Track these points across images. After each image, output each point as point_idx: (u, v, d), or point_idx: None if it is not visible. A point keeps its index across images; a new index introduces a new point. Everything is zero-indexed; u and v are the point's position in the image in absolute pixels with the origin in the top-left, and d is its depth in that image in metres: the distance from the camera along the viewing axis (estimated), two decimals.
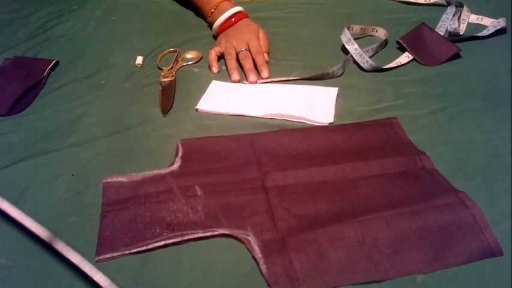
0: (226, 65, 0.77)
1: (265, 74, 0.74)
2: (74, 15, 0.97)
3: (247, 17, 0.85)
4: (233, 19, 0.83)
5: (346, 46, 0.76)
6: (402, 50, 0.78)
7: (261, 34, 0.82)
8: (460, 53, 0.75)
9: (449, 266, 0.45)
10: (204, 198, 0.53)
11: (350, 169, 0.56)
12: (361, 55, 0.74)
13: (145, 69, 0.79)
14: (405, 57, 0.76)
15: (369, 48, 0.77)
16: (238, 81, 0.74)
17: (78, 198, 0.55)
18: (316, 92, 0.70)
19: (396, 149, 0.59)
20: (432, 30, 0.79)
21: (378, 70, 0.74)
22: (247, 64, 0.76)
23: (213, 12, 0.85)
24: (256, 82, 0.74)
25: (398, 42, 0.79)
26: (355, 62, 0.76)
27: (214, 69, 0.77)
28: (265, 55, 0.79)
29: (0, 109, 0.70)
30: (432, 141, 0.60)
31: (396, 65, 0.75)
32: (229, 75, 0.75)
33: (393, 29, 0.84)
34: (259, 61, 0.76)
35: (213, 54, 0.78)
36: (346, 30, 0.77)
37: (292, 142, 0.61)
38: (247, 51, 0.78)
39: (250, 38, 0.79)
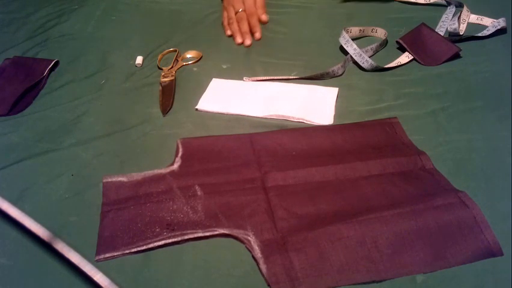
0: (230, 29, 0.83)
1: (257, 35, 0.80)
2: (74, 15, 0.97)
3: None
4: None
5: (345, 47, 0.76)
6: (403, 50, 0.78)
7: None
8: (460, 53, 0.75)
9: (449, 266, 0.45)
10: (203, 198, 0.53)
11: (350, 169, 0.56)
12: (360, 55, 0.74)
13: (145, 69, 0.79)
14: (405, 57, 0.76)
15: (369, 48, 0.77)
16: (241, 44, 0.80)
17: (78, 198, 0.55)
18: (316, 92, 0.70)
19: (396, 149, 0.59)
20: (432, 30, 0.79)
21: (379, 70, 0.74)
22: (243, 27, 0.81)
23: None
24: (251, 45, 0.80)
25: (398, 42, 0.79)
26: (355, 62, 0.76)
27: (229, 32, 0.84)
28: (263, 16, 0.83)
29: (0, 109, 0.70)
30: (432, 141, 0.60)
31: (396, 64, 0.75)
32: (234, 39, 0.82)
33: (394, 29, 0.83)
34: (252, 22, 0.81)
35: (225, 22, 0.87)
36: (344, 33, 0.77)
37: (292, 142, 0.61)
38: (243, 13, 0.83)
39: None
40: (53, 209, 0.53)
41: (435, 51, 0.76)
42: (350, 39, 0.76)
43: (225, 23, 0.86)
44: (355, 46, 0.75)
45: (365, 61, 0.74)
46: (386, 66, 0.74)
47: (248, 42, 0.79)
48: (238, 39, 0.80)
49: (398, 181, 0.54)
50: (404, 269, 0.45)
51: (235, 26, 0.82)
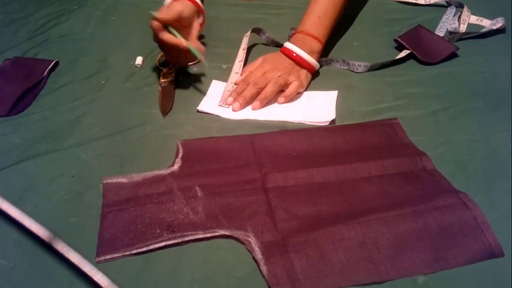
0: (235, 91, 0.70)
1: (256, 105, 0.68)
2: (74, 16, 0.97)
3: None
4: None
5: (328, 66, 0.76)
6: (401, 49, 0.78)
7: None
8: (458, 52, 0.75)
9: (450, 267, 0.45)
10: (204, 199, 0.53)
11: (351, 170, 0.56)
12: (348, 63, 0.74)
13: (144, 70, 0.79)
14: (403, 54, 0.76)
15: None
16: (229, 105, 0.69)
17: (78, 199, 0.55)
18: (316, 96, 0.70)
19: (396, 150, 0.59)
20: (429, 31, 0.79)
21: (376, 68, 0.74)
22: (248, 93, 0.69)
23: None
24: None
25: (396, 40, 0.79)
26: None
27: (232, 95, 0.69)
28: (280, 99, 0.69)
29: (0, 110, 0.70)
30: (432, 142, 0.60)
31: (392, 59, 0.75)
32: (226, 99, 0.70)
33: (394, 29, 0.84)
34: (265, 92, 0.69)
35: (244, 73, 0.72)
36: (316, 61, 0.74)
37: (292, 143, 0.61)
38: (264, 79, 0.69)
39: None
40: (53, 210, 0.53)
41: (432, 50, 0.76)
42: (325, 59, 0.76)
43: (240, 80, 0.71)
44: (336, 59, 0.75)
45: (357, 66, 0.74)
46: (383, 62, 0.74)
47: (236, 108, 0.67)
48: (233, 103, 0.68)
49: (399, 182, 0.54)
50: (405, 270, 0.45)
51: (243, 91, 0.68)
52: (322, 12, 0.75)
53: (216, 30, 0.88)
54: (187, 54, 0.69)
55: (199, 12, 0.74)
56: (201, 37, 0.88)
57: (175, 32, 0.68)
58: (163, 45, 0.69)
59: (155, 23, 0.66)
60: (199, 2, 0.74)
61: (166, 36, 0.67)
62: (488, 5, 0.88)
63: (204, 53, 0.70)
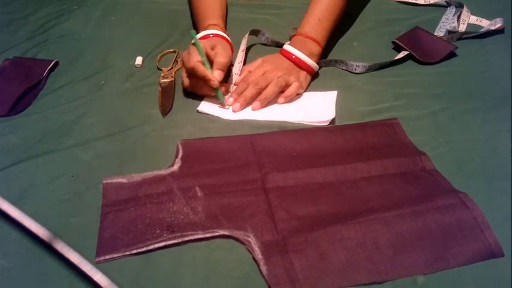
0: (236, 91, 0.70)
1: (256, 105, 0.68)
2: (73, 16, 0.97)
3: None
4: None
5: (330, 67, 0.76)
6: (399, 50, 0.78)
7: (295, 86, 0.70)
8: (457, 51, 0.75)
9: (449, 267, 0.45)
10: (204, 199, 0.53)
11: (351, 170, 0.56)
12: (347, 64, 0.74)
13: (144, 70, 0.79)
14: (401, 55, 0.76)
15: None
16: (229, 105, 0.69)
17: (78, 199, 0.55)
18: (316, 96, 0.70)
19: (396, 150, 0.59)
20: (427, 32, 0.79)
21: (375, 69, 0.74)
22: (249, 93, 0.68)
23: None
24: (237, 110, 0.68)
25: (393, 42, 0.79)
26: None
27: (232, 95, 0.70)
28: (281, 99, 0.69)
29: (0, 110, 0.70)
30: (432, 142, 0.60)
31: (391, 60, 0.75)
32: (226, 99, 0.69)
33: (394, 29, 0.83)
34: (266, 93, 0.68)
35: (243, 73, 0.73)
36: (315, 64, 0.73)
37: (292, 143, 0.61)
38: (265, 78, 0.69)
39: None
40: (52, 210, 0.53)
41: (431, 50, 0.76)
42: (324, 61, 0.76)
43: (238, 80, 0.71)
44: (335, 60, 0.75)
45: (355, 67, 0.74)
46: (381, 63, 0.74)
47: (237, 109, 0.67)
48: (234, 104, 0.68)
49: (399, 182, 0.54)
50: (405, 270, 0.45)
51: (243, 91, 0.68)
52: (322, 14, 0.75)
53: None
54: (211, 89, 0.68)
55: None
56: None
57: (207, 63, 0.67)
58: (192, 72, 0.68)
59: (196, 60, 0.66)
60: (229, 40, 0.74)
61: (200, 68, 0.66)
62: (488, 5, 0.88)
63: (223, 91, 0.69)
